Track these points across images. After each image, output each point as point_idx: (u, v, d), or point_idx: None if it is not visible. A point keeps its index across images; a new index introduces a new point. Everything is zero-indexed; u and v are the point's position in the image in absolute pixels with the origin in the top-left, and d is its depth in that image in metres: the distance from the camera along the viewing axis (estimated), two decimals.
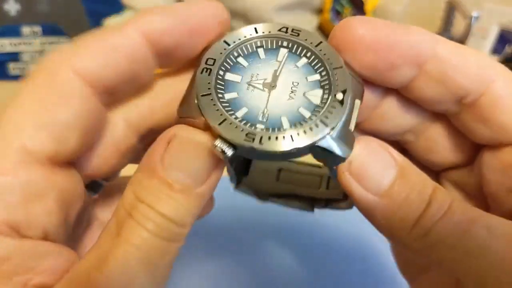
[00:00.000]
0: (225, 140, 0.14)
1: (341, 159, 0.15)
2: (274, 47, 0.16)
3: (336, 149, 0.15)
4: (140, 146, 0.19)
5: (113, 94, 0.16)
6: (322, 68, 0.15)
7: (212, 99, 0.14)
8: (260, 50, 0.16)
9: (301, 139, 0.14)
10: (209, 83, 0.15)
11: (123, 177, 0.21)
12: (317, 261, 0.30)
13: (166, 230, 0.14)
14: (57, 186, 0.15)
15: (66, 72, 0.14)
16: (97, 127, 0.16)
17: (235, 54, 0.15)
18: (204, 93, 0.14)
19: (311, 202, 0.21)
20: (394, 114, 0.18)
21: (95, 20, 0.58)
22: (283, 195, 0.21)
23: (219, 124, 0.14)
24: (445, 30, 0.57)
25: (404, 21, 0.58)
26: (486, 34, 0.64)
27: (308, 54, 0.16)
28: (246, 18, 0.52)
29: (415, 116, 0.18)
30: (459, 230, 0.14)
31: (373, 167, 0.15)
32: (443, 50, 0.16)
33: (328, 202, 0.21)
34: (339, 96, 0.15)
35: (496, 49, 0.64)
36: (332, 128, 0.14)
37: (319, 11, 0.56)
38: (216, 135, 0.14)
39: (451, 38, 0.56)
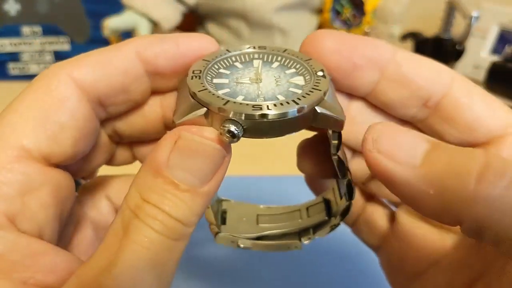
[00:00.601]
0: (233, 121, 0.14)
1: (339, 123, 0.16)
2: (248, 60, 0.18)
3: (334, 110, 0.15)
4: (118, 150, 0.20)
5: (105, 106, 0.17)
6: (295, 63, 0.17)
7: (209, 92, 0.15)
8: (237, 63, 0.17)
9: (302, 102, 0.15)
10: (201, 83, 0.15)
11: (108, 177, 0.21)
12: (312, 262, 0.30)
13: (173, 230, 0.14)
14: (52, 182, 0.15)
15: (63, 79, 0.15)
16: (90, 134, 0.17)
17: (216, 67, 0.17)
18: (200, 89, 0.15)
19: (297, 236, 0.21)
20: (362, 120, 0.18)
21: (95, 20, 0.58)
22: (266, 236, 0.21)
23: (224, 104, 0.14)
24: (445, 30, 0.57)
25: (405, 21, 0.58)
26: (486, 34, 0.64)
27: (279, 59, 0.18)
28: (246, 18, 0.52)
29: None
30: None
31: (402, 141, 0.14)
32: (401, 56, 0.17)
33: (316, 229, 0.21)
34: (320, 73, 0.16)
35: (496, 49, 0.64)
36: (325, 93, 0.15)
37: (319, 11, 0.56)
38: (221, 121, 0.14)
39: (451, 38, 0.56)
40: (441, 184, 0.14)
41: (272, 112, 0.14)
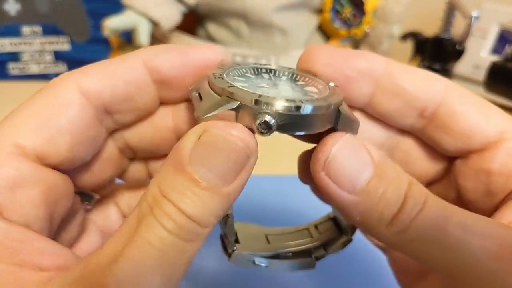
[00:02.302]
0: (268, 113, 0.14)
1: (356, 124, 0.17)
2: (257, 73, 0.18)
3: (352, 114, 0.17)
4: (132, 165, 0.20)
5: (111, 113, 0.17)
6: (303, 77, 0.18)
7: (238, 87, 0.15)
8: (248, 74, 0.18)
9: (330, 100, 0.15)
10: (227, 82, 0.15)
11: (118, 184, 0.21)
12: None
13: (186, 230, 0.14)
14: (44, 181, 0.15)
15: (69, 86, 0.16)
16: (90, 141, 0.17)
17: (231, 74, 0.17)
18: (230, 85, 0.15)
19: (309, 254, 0.21)
20: (361, 130, 0.19)
21: (95, 20, 0.58)
22: (279, 255, 0.20)
23: (259, 97, 0.14)
24: (445, 30, 0.57)
25: (405, 21, 0.58)
26: (486, 34, 0.64)
27: (286, 73, 0.18)
28: (246, 18, 0.52)
29: (383, 133, 0.19)
30: (436, 226, 0.14)
31: (349, 166, 0.16)
32: (394, 68, 0.18)
33: (327, 246, 0.21)
34: (331, 84, 0.17)
35: (496, 49, 0.64)
36: (343, 98, 0.16)
37: (319, 11, 0.56)
38: (254, 115, 0.14)
39: (451, 38, 0.56)
40: (365, 215, 0.15)
41: (307, 105, 0.14)
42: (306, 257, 0.20)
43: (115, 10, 0.50)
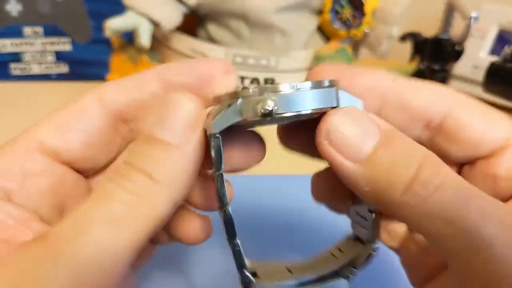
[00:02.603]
0: (267, 98, 0.15)
1: (359, 102, 0.17)
2: None
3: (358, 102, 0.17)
4: None
5: (127, 121, 0.18)
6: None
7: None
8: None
9: (323, 80, 0.16)
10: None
11: None
12: None
13: (139, 185, 0.15)
14: (54, 175, 0.17)
15: (89, 96, 0.18)
16: (105, 145, 0.18)
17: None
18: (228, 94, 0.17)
19: (337, 275, 0.20)
20: None
21: (96, 20, 0.59)
22: (306, 282, 0.19)
23: (257, 87, 0.16)
24: (444, 31, 0.57)
25: (404, 22, 0.59)
26: (485, 35, 0.64)
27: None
28: (246, 19, 0.52)
29: None
30: (454, 206, 0.14)
31: (351, 135, 0.16)
32: (400, 84, 0.18)
33: (353, 262, 0.20)
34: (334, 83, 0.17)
35: (495, 50, 0.64)
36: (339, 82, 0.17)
37: (319, 12, 0.56)
38: (254, 105, 0.15)
39: (450, 38, 0.57)
40: (375, 185, 0.15)
41: (303, 84, 0.16)
42: (334, 279, 0.19)
43: (117, 11, 0.50)
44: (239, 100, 0.16)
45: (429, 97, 0.18)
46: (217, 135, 0.16)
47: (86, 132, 0.17)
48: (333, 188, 0.21)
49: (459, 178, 0.15)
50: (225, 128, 0.16)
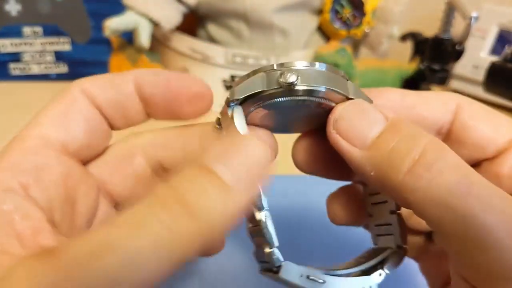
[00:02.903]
0: (289, 70, 0.16)
1: (369, 99, 0.18)
2: None
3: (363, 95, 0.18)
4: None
5: (107, 118, 0.19)
6: None
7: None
8: None
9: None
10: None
11: None
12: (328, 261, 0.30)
13: (174, 216, 0.13)
14: (63, 166, 0.17)
15: (76, 89, 0.18)
16: (101, 132, 0.19)
17: None
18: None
19: (367, 274, 0.19)
20: None
21: (96, 20, 0.59)
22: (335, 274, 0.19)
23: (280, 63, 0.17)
24: (445, 31, 0.57)
25: (404, 22, 0.58)
26: (486, 35, 0.64)
27: None
28: (246, 18, 0.52)
29: None
30: (457, 191, 0.14)
31: (358, 123, 0.16)
32: (408, 98, 0.19)
33: (383, 263, 0.19)
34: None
35: (495, 50, 0.64)
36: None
37: (319, 11, 0.56)
38: (277, 77, 0.16)
39: (450, 38, 0.57)
40: (379, 168, 0.16)
41: (320, 64, 0.17)
42: (365, 275, 0.19)
43: (116, 10, 0.50)
44: (262, 73, 0.16)
45: (437, 106, 0.19)
46: (239, 100, 0.16)
47: (84, 121, 0.18)
48: (349, 208, 0.21)
49: (464, 164, 0.15)
50: (245, 101, 0.17)
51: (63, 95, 0.18)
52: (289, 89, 0.16)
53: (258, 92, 0.16)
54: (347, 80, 0.17)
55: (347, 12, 0.54)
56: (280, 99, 0.17)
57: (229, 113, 0.17)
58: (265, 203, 0.16)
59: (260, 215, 0.16)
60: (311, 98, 0.17)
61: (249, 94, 0.16)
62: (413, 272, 0.22)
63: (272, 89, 0.16)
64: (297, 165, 0.21)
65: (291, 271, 0.16)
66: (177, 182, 0.13)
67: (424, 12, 0.66)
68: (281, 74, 0.16)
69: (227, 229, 0.14)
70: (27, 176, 0.16)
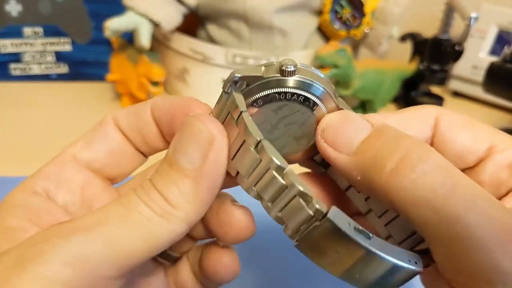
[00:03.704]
0: (289, 65, 0.17)
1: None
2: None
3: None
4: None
5: (130, 140, 0.21)
6: None
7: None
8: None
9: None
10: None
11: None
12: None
13: (159, 206, 0.16)
14: (83, 178, 0.20)
15: (106, 116, 0.21)
16: (124, 154, 0.21)
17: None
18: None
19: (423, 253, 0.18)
20: None
21: (96, 21, 0.59)
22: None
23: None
24: (444, 31, 0.57)
25: (403, 22, 0.59)
26: (485, 35, 0.64)
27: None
28: (246, 19, 0.52)
29: None
30: (441, 192, 0.14)
31: (344, 131, 0.17)
32: (390, 121, 0.19)
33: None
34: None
35: (495, 50, 0.64)
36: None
37: (319, 12, 0.56)
38: (278, 67, 0.17)
39: (450, 38, 0.57)
40: (365, 171, 0.16)
41: (315, 69, 0.18)
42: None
43: (117, 11, 0.50)
44: (263, 66, 0.17)
45: (417, 125, 0.19)
46: (237, 79, 0.17)
47: (106, 143, 0.20)
48: (327, 195, 0.21)
49: (449, 165, 0.15)
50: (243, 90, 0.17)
51: (99, 121, 0.21)
52: (288, 75, 0.17)
53: (256, 76, 0.17)
54: (338, 96, 0.18)
55: (346, 12, 0.54)
56: (276, 89, 0.17)
57: (226, 91, 0.17)
58: (294, 177, 0.16)
59: (286, 173, 0.16)
60: (307, 94, 0.17)
61: (247, 75, 0.17)
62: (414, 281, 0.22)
63: (271, 76, 0.17)
64: None
65: (340, 216, 0.16)
66: (154, 177, 0.17)
67: (424, 12, 0.66)
68: (281, 65, 0.17)
69: (203, 208, 0.17)
70: (50, 183, 0.19)
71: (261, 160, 0.16)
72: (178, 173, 0.16)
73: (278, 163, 0.16)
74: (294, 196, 0.16)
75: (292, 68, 0.17)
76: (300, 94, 0.17)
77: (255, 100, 0.18)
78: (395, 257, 0.16)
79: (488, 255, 0.14)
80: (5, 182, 0.38)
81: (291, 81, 0.17)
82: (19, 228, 0.16)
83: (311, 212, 0.16)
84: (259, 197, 0.17)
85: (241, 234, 0.19)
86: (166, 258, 0.22)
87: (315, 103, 0.18)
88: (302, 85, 0.17)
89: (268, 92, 0.17)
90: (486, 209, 0.14)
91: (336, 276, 0.17)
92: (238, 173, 0.17)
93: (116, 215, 0.15)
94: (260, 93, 0.18)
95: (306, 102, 0.18)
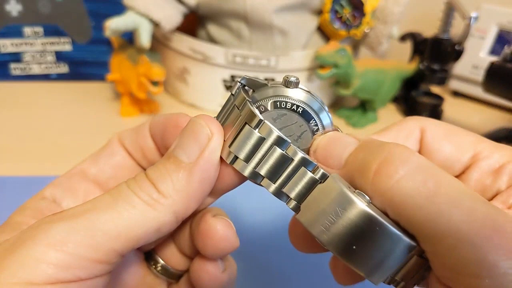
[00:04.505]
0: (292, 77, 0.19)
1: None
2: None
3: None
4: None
5: (132, 155, 0.23)
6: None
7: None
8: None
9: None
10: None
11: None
12: (321, 265, 0.31)
13: (149, 195, 0.17)
14: (85, 190, 0.21)
15: (114, 136, 0.23)
16: (127, 168, 0.22)
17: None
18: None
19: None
20: None
21: (96, 20, 0.59)
22: None
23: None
24: (444, 31, 0.57)
25: (404, 22, 0.59)
26: (485, 35, 0.64)
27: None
28: (246, 19, 0.52)
29: None
30: (425, 191, 0.15)
31: (333, 148, 0.18)
32: (378, 136, 0.20)
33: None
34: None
35: (495, 50, 0.64)
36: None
37: (319, 12, 0.56)
38: (283, 81, 0.19)
39: (450, 38, 0.57)
40: (353, 179, 0.17)
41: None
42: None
43: (117, 11, 0.50)
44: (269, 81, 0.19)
45: (404, 140, 0.20)
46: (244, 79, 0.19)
47: (111, 159, 0.22)
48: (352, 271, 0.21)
49: (431, 166, 0.16)
50: (250, 84, 0.19)
51: (107, 142, 0.23)
52: (291, 86, 0.18)
53: (262, 83, 0.19)
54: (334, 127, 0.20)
55: (346, 12, 0.54)
56: (278, 98, 0.19)
57: (234, 91, 0.19)
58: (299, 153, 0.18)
59: (290, 147, 0.18)
60: (305, 107, 0.19)
61: (254, 79, 0.19)
62: None
63: (275, 84, 0.19)
64: (295, 246, 0.23)
65: (340, 179, 0.17)
66: (149, 169, 0.18)
67: (424, 12, 0.66)
68: (286, 77, 0.18)
69: (195, 202, 0.18)
70: (57, 190, 0.21)
71: (264, 139, 0.17)
72: (174, 165, 0.17)
73: (283, 137, 0.17)
74: (299, 166, 0.18)
75: (295, 80, 0.18)
76: (299, 106, 0.19)
77: (258, 106, 0.19)
78: (392, 226, 0.16)
79: (474, 249, 0.14)
80: (5, 182, 0.38)
81: (293, 91, 0.19)
82: (23, 223, 0.18)
83: (316, 177, 0.17)
84: (260, 177, 0.18)
85: (220, 245, 0.19)
86: (164, 273, 0.23)
87: (312, 118, 0.19)
88: (303, 97, 0.19)
89: (270, 100, 0.19)
90: (471, 205, 0.15)
91: (334, 249, 0.17)
92: (235, 159, 0.18)
93: (103, 204, 0.17)
94: (262, 100, 0.19)
95: (305, 115, 0.19)
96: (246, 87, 0.19)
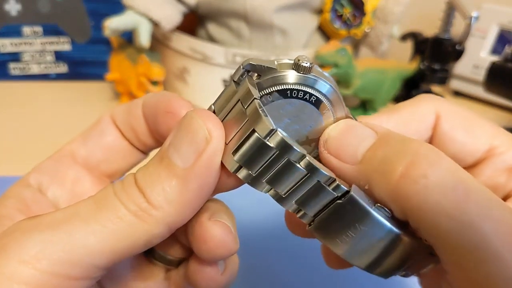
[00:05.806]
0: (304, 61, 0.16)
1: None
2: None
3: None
4: None
5: (123, 134, 0.21)
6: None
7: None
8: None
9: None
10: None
11: None
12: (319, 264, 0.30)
13: (137, 203, 0.15)
14: (75, 174, 0.20)
15: (105, 114, 0.21)
16: (119, 150, 0.21)
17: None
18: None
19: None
20: None
21: (96, 20, 0.59)
22: None
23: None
24: (445, 30, 0.57)
25: (404, 21, 0.58)
26: (486, 34, 0.64)
27: None
28: (246, 18, 0.52)
29: None
30: (454, 199, 0.14)
31: (347, 140, 0.16)
32: (389, 125, 0.18)
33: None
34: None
35: (496, 49, 0.64)
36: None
37: (319, 11, 0.56)
38: (292, 63, 0.16)
39: (451, 38, 0.56)
40: (372, 179, 0.16)
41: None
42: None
43: (116, 10, 0.50)
44: (276, 61, 0.17)
45: (417, 125, 0.19)
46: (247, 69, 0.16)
47: (102, 139, 0.20)
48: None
49: (460, 169, 0.15)
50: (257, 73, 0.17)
51: (97, 119, 0.21)
52: (304, 72, 0.16)
53: (270, 68, 0.16)
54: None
55: (347, 11, 0.54)
56: (289, 85, 0.16)
57: (237, 79, 0.17)
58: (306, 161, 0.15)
59: (306, 160, 0.15)
60: (320, 96, 0.16)
61: (261, 64, 0.16)
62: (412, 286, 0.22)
63: (286, 70, 0.16)
64: (290, 229, 0.22)
65: (360, 194, 0.16)
66: (139, 172, 0.16)
67: (424, 12, 0.66)
68: (298, 60, 0.16)
69: (188, 212, 0.16)
70: (43, 177, 0.19)
71: (275, 151, 0.15)
72: (167, 171, 0.15)
73: (298, 150, 0.15)
74: (317, 181, 0.16)
75: (309, 65, 0.16)
76: (313, 94, 0.16)
77: (266, 94, 0.16)
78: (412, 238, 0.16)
79: (506, 266, 0.13)
80: (5, 182, 0.38)
81: (306, 78, 0.16)
82: (7, 216, 0.17)
83: (335, 194, 0.16)
84: (269, 189, 0.16)
85: (216, 250, 0.17)
86: (161, 260, 0.21)
87: (325, 107, 0.17)
88: (318, 85, 0.16)
89: (278, 87, 0.16)
90: (501, 216, 0.14)
91: (353, 261, 0.16)
92: (239, 168, 0.16)
93: (85, 212, 0.15)
94: (269, 87, 0.16)
95: (318, 103, 0.17)
96: (250, 73, 0.17)
